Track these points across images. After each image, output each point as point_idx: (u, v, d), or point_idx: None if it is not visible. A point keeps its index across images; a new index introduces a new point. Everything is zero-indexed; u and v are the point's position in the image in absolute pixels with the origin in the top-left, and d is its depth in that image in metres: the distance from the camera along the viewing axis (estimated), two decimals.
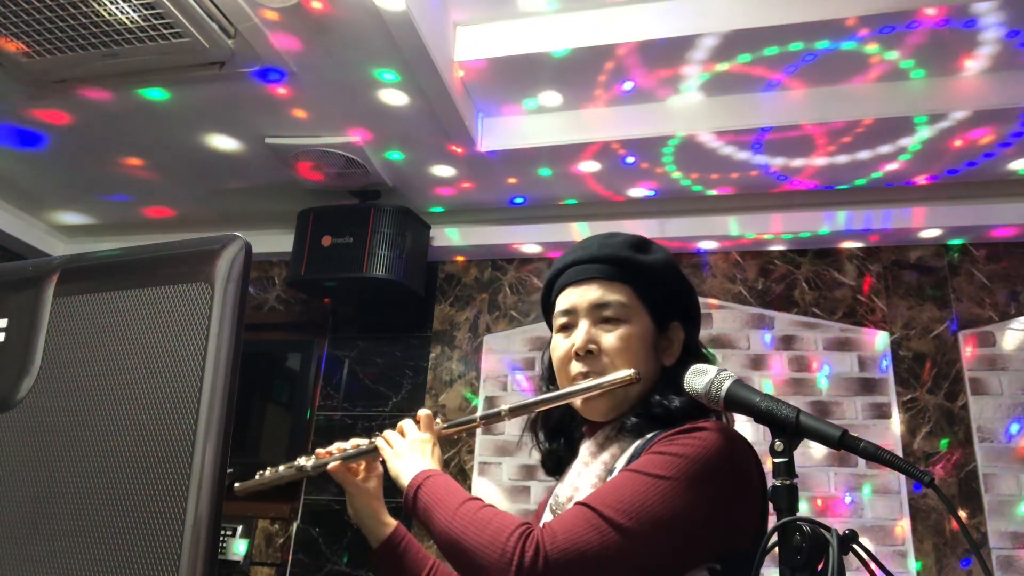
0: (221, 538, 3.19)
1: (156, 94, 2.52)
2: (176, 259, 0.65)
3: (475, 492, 3.11)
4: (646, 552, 0.92)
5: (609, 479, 1.06)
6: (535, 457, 1.30)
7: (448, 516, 1.01)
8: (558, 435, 1.25)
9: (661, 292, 1.18)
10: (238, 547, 3.22)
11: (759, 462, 1.05)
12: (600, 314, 1.15)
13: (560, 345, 1.18)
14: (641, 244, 1.21)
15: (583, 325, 1.15)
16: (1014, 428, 2.76)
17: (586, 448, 1.16)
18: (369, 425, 3.33)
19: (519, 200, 3.23)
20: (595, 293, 1.16)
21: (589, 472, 1.11)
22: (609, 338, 1.13)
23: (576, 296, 1.17)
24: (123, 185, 3.26)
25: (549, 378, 1.27)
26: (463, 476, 3.16)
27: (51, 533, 0.59)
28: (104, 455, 0.60)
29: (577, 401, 1.16)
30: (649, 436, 1.07)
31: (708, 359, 1.19)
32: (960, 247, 3.03)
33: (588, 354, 1.13)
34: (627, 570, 0.92)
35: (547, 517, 1.17)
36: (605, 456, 1.11)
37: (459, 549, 0.98)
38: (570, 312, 1.18)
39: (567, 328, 1.18)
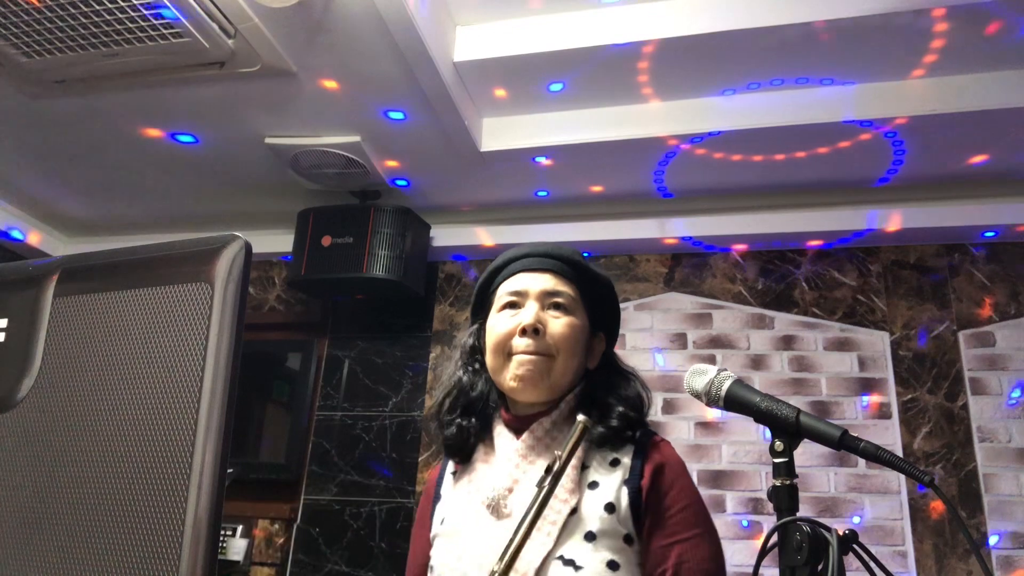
0: (221, 538, 3.19)
1: (156, 94, 2.52)
2: (176, 259, 0.65)
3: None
4: None
5: (591, 492, 1.10)
6: None
7: None
8: (469, 413, 1.24)
9: (599, 301, 1.27)
10: (238, 547, 3.22)
11: None
12: (550, 300, 1.21)
13: (504, 322, 1.20)
14: (585, 259, 1.29)
15: (532, 306, 1.19)
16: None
17: (521, 441, 1.16)
18: (369, 425, 3.33)
19: (521, 195, 3.23)
20: (548, 282, 1.22)
21: (538, 469, 1.11)
22: (557, 323, 1.19)
23: (528, 281, 1.22)
24: (123, 185, 3.26)
25: (468, 361, 1.29)
26: None
27: (51, 533, 0.59)
28: (104, 455, 0.60)
29: (512, 383, 1.17)
30: (628, 463, 1.13)
31: (630, 368, 1.27)
32: (960, 247, 3.03)
33: (535, 332, 1.17)
34: None
35: (480, 513, 1.13)
36: (572, 459, 1.10)
37: None
38: (520, 293, 1.22)
39: (513, 307, 1.22)
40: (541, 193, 3.17)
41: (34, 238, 3.63)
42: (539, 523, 1.06)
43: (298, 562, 3.21)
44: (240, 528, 3.26)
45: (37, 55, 2.23)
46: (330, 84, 2.43)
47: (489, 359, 1.22)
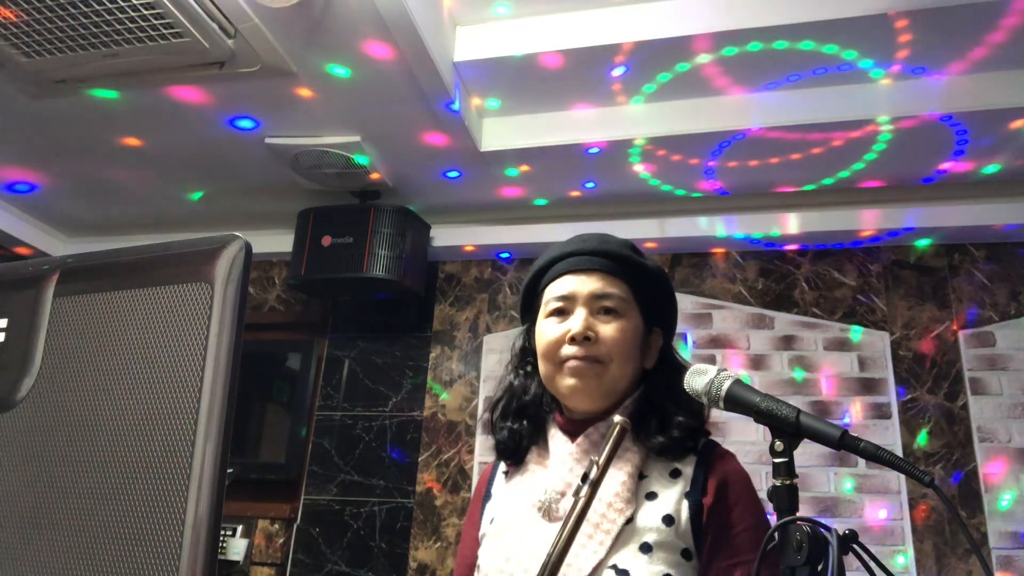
0: (221, 538, 3.19)
1: (156, 94, 2.52)
2: (176, 259, 0.65)
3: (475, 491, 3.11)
4: None
5: (649, 502, 1.07)
6: None
7: None
8: (521, 416, 1.22)
9: (653, 295, 1.21)
10: (238, 547, 3.22)
11: None
12: (599, 304, 1.16)
13: (553, 329, 1.16)
14: (636, 248, 1.23)
15: (581, 312, 1.15)
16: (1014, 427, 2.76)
17: (576, 444, 1.14)
18: (369, 425, 3.33)
19: (521, 195, 3.23)
20: (596, 283, 1.16)
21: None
22: (608, 328, 1.14)
23: (576, 284, 1.17)
24: (123, 185, 3.26)
25: (519, 364, 1.26)
26: (463, 476, 3.16)
27: (51, 533, 0.59)
28: (104, 455, 0.60)
29: (565, 391, 1.15)
30: (690, 474, 1.09)
31: (684, 368, 1.21)
32: (960, 247, 3.03)
33: (585, 340, 1.13)
34: None
35: (531, 515, 1.11)
36: (628, 468, 1.09)
37: None
38: (568, 298, 1.17)
39: (561, 313, 1.17)
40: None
41: (34, 238, 3.63)
42: (592, 531, 1.03)
43: (298, 562, 3.21)
44: (240, 528, 3.26)
45: (37, 55, 2.24)
46: (330, 84, 2.43)
47: (541, 366, 1.19)
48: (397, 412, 3.33)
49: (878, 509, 2.78)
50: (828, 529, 0.82)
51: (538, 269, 1.24)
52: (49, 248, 3.71)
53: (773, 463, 0.89)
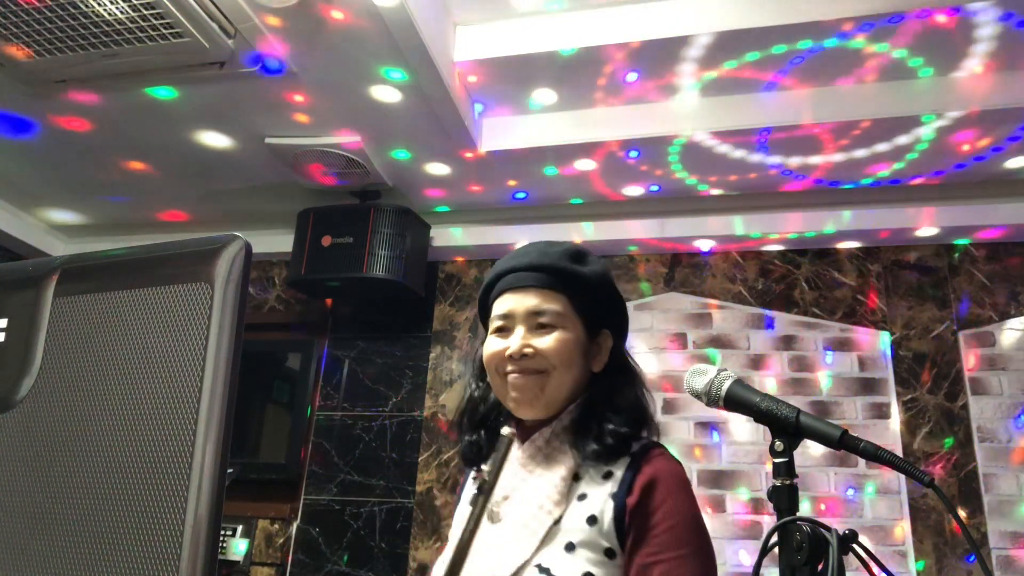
0: (221, 538, 3.18)
1: (156, 94, 2.52)
2: (176, 259, 0.65)
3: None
4: None
5: (579, 503, 1.11)
6: None
7: None
8: (480, 426, 1.27)
9: (594, 302, 1.24)
10: (238, 547, 3.22)
11: None
12: (536, 320, 1.20)
13: (495, 345, 1.21)
14: (578, 255, 1.26)
15: (519, 330, 1.20)
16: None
17: (523, 451, 1.18)
18: (369, 425, 3.33)
19: (521, 195, 3.23)
20: (533, 301, 1.20)
21: (540, 482, 1.13)
22: (544, 340, 1.18)
23: (514, 302, 1.22)
24: (123, 185, 3.26)
25: (480, 374, 1.31)
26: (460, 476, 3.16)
27: (51, 533, 0.59)
28: (104, 455, 0.60)
29: (510, 404, 1.20)
30: (620, 475, 1.12)
31: (634, 368, 1.25)
32: (960, 247, 3.03)
33: (523, 357, 1.17)
34: None
35: (482, 521, 1.14)
36: (563, 471, 1.13)
37: None
38: (507, 317, 1.22)
39: (503, 331, 1.22)
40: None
41: (34, 238, 3.63)
42: (520, 531, 1.08)
43: (298, 562, 3.20)
44: (240, 528, 3.26)
45: (37, 55, 2.23)
46: (330, 84, 2.43)
47: (490, 380, 1.24)
48: (397, 412, 3.33)
49: (878, 509, 2.78)
50: (828, 529, 0.82)
51: (485, 287, 1.30)
52: (49, 248, 3.71)
53: (773, 463, 0.89)
